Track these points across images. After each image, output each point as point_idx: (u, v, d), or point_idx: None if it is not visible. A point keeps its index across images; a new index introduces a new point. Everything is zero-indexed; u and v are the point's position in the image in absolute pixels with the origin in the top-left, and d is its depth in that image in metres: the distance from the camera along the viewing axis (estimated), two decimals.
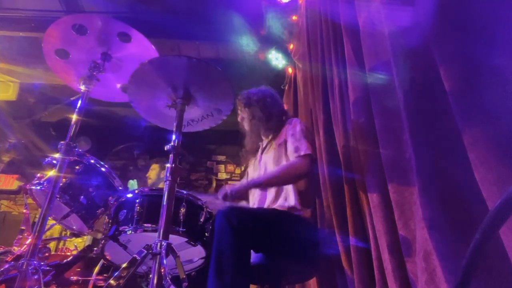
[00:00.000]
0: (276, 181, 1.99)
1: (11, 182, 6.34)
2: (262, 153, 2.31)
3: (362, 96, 1.73)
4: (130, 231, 1.60)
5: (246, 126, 2.37)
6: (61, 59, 1.94)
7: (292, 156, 2.04)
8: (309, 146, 2.03)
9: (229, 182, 6.42)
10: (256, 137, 2.34)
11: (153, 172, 4.53)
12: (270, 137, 2.30)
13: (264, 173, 2.16)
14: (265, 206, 2.08)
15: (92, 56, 1.91)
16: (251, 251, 1.71)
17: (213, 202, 1.93)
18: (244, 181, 2.28)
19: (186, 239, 1.65)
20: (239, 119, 2.40)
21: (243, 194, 2.06)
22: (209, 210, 1.78)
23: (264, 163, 2.22)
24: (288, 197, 2.01)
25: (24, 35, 4.31)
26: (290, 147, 2.08)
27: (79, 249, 3.19)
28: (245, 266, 1.57)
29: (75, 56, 1.94)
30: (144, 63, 1.51)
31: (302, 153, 2.00)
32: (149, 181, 4.53)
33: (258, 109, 2.27)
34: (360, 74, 1.79)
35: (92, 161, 1.91)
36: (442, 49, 1.07)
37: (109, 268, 2.26)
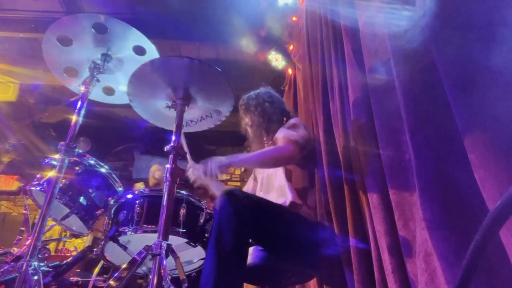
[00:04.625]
0: (256, 160, 1.95)
1: (11, 183, 6.34)
2: None
3: (362, 96, 1.73)
4: (130, 232, 1.59)
5: (249, 132, 2.34)
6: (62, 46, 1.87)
7: (280, 141, 2.01)
8: (299, 135, 1.99)
9: (229, 183, 6.42)
10: (259, 142, 2.33)
11: (158, 172, 4.47)
12: (271, 141, 2.29)
13: (266, 176, 2.16)
14: None
15: (92, 56, 1.90)
16: (251, 249, 1.70)
17: (197, 171, 1.86)
18: (229, 156, 2.20)
19: (186, 240, 1.65)
20: (243, 124, 2.35)
21: (224, 170, 1.97)
22: (209, 211, 1.77)
23: None
24: (285, 194, 2.01)
25: (24, 36, 4.32)
26: (278, 134, 2.06)
27: (79, 250, 3.19)
28: (243, 248, 1.54)
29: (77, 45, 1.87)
30: (145, 63, 1.51)
31: (292, 138, 1.95)
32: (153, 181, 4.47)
33: (257, 115, 2.25)
34: (360, 75, 1.79)
35: (92, 162, 1.91)
36: (442, 49, 1.07)
37: (109, 269, 2.26)
